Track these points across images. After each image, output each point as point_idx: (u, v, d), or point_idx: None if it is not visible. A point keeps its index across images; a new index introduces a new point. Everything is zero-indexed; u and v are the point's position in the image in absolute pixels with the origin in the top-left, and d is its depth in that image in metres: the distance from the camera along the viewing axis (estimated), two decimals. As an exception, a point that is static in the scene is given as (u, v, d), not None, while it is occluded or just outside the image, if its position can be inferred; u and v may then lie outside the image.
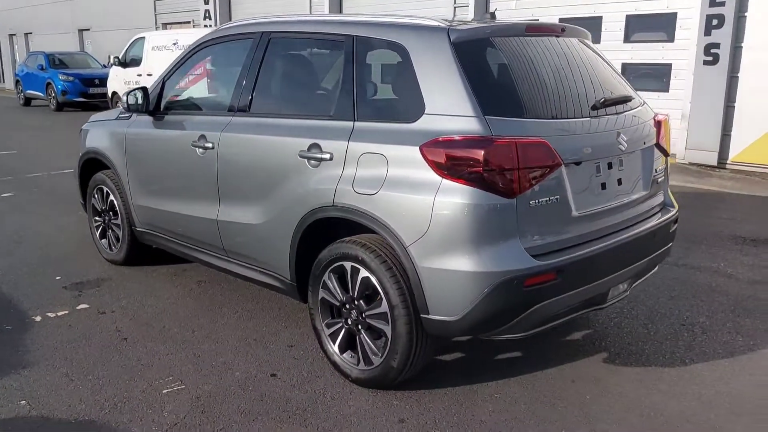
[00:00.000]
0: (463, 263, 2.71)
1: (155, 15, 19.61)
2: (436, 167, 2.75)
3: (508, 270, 2.69)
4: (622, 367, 3.47)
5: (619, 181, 3.21)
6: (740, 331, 3.91)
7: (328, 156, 3.16)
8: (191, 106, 4.31)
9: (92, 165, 5.08)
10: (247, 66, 3.75)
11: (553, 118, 2.93)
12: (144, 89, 4.33)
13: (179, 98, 4.34)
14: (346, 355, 3.27)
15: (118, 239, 4.98)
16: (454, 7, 12.53)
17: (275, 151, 3.45)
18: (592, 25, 10.66)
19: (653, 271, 3.70)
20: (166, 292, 4.55)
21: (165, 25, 19.18)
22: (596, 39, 10.67)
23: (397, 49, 3.07)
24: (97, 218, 5.18)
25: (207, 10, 17.30)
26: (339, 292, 3.22)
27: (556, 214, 2.86)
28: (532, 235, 2.78)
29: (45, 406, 3.09)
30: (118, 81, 15.04)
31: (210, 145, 3.82)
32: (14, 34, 29.27)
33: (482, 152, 2.65)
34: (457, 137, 2.73)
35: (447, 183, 2.72)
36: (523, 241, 2.75)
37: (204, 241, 4.06)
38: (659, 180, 3.54)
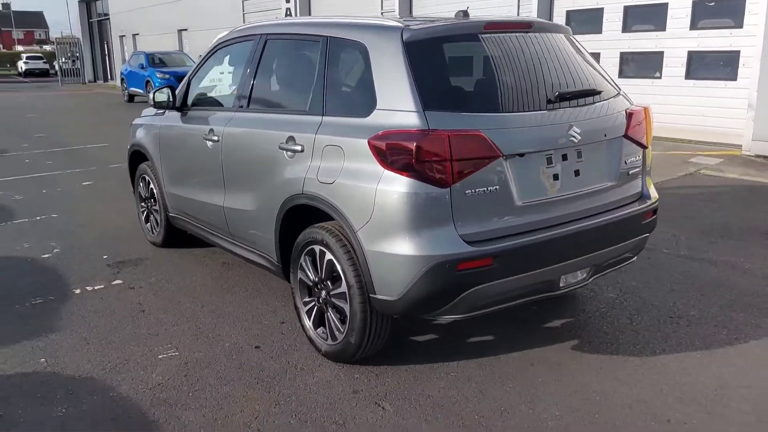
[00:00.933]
0: (400, 247, 2.92)
1: (243, 14, 20.61)
2: (379, 158, 2.97)
3: (440, 254, 2.88)
4: (587, 354, 3.55)
5: (577, 173, 3.29)
6: (727, 325, 3.86)
7: (300, 148, 3.46)
8: (208, 102, 4.72)
9: (138, 157, 5.64)
10: (248, 65, 4.11)
11: (497, 112, 3.07)
12: (171, 87, 4.80)
13: (199, 95, 4.77)
14: (319, 330, 3.56)
15: (158, 223, 5.51)
16: (518, 2, 12.42)
17: (262, 144, 3.79)
18: (658, 13, 10.32)
19: (628, 261, 3.74)
20: (192, 272, 5.01)
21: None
22: (661, 26, 10.32)
23: (359, 49, 3.30)
24: (142, 204, 5.74)
25: (288, 8, 18.01)
26: (312, 273, 3.51)
27: (496, 203, 3.01)
28: (470, 222, 2.95)
29: (59, 364, 3.58)
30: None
31: (216, 138, 4.22)
32: (124, 35, 31.53)
33: (416, 144, 2.85)
34: (396, 131, 2.94)
35: (387, 173, 2.94)
36: (459, 228, 2.92)
37: (216, 225, 4.47)
38: (631, 171, 3.58)
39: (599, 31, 11.36)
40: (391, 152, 2.92)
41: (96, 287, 4.74)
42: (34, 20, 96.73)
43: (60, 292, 4.64)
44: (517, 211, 3.07)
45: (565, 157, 3.24)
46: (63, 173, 9.37)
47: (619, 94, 3.66)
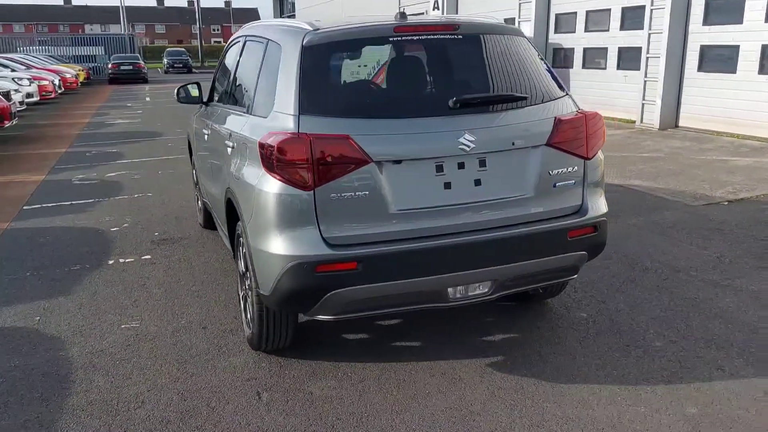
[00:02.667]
0: (268, 245, 3.03)
1: (399, 7, 21.10)
2: (261, 159, 3.10)
3: (299, 255, 2.94)
4: (498, 373, 3.38)
5: (477, 182, 3.14)
6: (683, 365, 3.43)
7: (232, 144, 3.68)
8: (219, 98, 5.10)
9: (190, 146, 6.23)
10: (234, 64, 4.41)
11: (379, 118, 3.03)
12: (198, 84, 5.25)
13: (214, 91, 5.16)
14: (248, 318, 3.78)
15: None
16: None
17: (220, 139, 4.07)
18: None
19: (564, 279, 3.48)
20: (215, 254, 5.46)
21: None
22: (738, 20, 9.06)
23: (278, 51, 3.43)
24: (196, 189, 6.33)
25: (436, 1, 18.14)
26: (241, 264, 3.73)
27: (366, 209, 2.98)
28: (336, 225, 2.97)
29: (46, 323, 4.16)
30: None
31: (208, 131, 4.58)
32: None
33: (278, 147, 2.93)
34: (273, 132, 3.04)
35: (264, 173, 3.06)
36: (324, 231, 2.96)
37: (216, 209, 4.85)
38: (560, 183, 3.31)
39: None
40: (266, 154, 3.04)
41: (127, 260, 5.36)
42: (252, 17, 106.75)
43: (97, 262, 5.32)
44: (391, 218, 3.02)
45: (461, 166, 3.10)
46: (187, 157, 10.45)
47: (557, 99, 3.39)
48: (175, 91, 5.25)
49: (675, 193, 6.92)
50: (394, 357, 3.58)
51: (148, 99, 22.89)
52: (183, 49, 49.89)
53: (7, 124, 12.43)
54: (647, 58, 11.09)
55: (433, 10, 18.30)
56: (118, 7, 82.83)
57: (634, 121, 11.65)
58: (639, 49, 11.45)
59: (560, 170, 3.30)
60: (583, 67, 13.31)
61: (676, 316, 3.97)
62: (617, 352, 3.56)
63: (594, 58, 12.98)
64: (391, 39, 3.26)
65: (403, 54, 3.24)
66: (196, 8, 57.91)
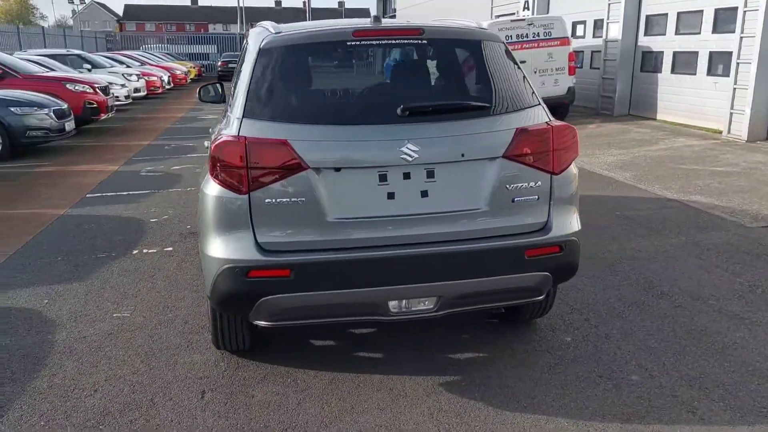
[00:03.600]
0: (207, 247, 3.05)
1: (491, 7, 20.69)
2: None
3: (232, 259, 2.94)
4: (447, 394, 3.23)
5: (425, 193, 3.01)
6: (655, 401, 3.12)
7: (207, 145, 3.74)
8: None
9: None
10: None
11: (321, 124, 2.97)
12: (221, 83, 5.38)
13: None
14: (211, 318, 3.82)
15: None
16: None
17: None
18: None
19: (526, 300, 3.28)
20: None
21: (497, 17, 20.09)
22: None
23: (245, 54, 3.44)
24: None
25: (526, 1, 17.63)
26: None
27: (302, 216, 2.93)
28: (271, 231, 2.94)
29: (50, 307, 4.41)
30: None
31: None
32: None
33: (217, 151, 2.94)
34: (223, 136, 3.04)
35: (207, 176, 3.08)
36: (259, 236, 2.94)
37: None
38: (520, 198, 3.10)
39: None
40: (210, 157, 3.05)
41: (149, 251, 5.59)
42: (364, 17, 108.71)
43: (123, 251, 5.59)
44: (328, 227, 2.95)
45: (407, 176, 2.98)
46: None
47: (524, 109, 3.18)
48: (198, 90, 5.41)
49: (734, 212, 6.34)
50: (350, 367, 3.51)
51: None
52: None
53: (103, 116, 13.34)
54: (737, 63, 10.23)
55: (524, 10, 17.82)
56: (240, 8, 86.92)
57: (720, 132, 10.80)
58: (730, 54, 10.59)
59: (520, 185, 3.10)
60: (672, 72, 12.46)
61: (669, 349, 3.63)
62: (585, 383, 3.30)
63: (684, 62, 12.13)
64: (349, 44, 3.18)
65: (360, 59, 3.16)
66: (307, 9, 59.63)
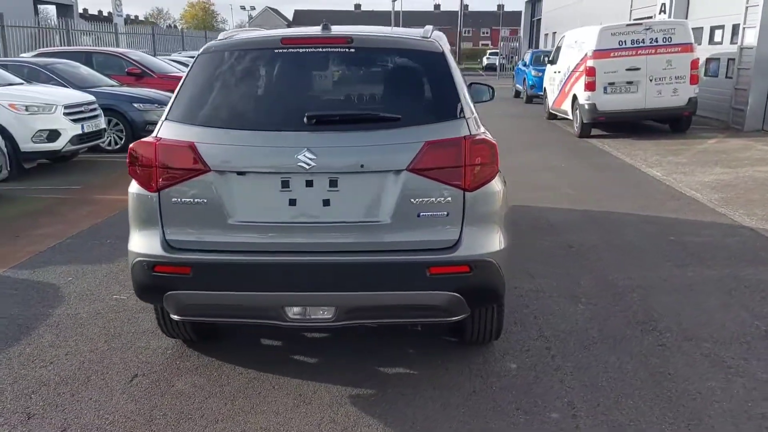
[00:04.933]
0: (128, 240, 3.25)
1: (630, 10, 19.47)
2: None
3: (140, 253, 3.12)
4: (347, 405, 3.18)
5: (326, 202, 3.00)
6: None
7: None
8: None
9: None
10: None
11: (228, 128, 3.05)
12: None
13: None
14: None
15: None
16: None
17: None
18: None
19: (432, 320, 3.17)
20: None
21: (636, 20, 18.88)
22: None
23: None
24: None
25: (663, 4, 16.38)
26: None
27: (206, 217, 3.03)
28: (178, 229, 3.08)
29: (71, 284, 4.89)
30: (549, 78, 15.96)
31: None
32: (547, 34, 32.83)
33: (133, 151, 3.12)
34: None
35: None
36: (167, 233, 3.09)
37: None
38: (426, 213, 2.98)
39: None
40: (128, 155, 3.23)
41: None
42: (517, 19, 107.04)
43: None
44: (229, 228, 3.03)
45: (309, 183, 2.99)
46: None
47: (443, 122, 3.05)
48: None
49: (810, 248, 5.54)
50: (279, 369, 3.55)
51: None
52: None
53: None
54: None
55: (660, 13, 16.61)
56: (397, 12, 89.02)
57: None
58: None
59: (426, 200, 2.99)
60: None
61: (615, 390, 3.29)
62: (497, 414, 3.10)
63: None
64: (276, 51, 3.25)
65: (288, 66, 3.21)
66: (459, 11, 59.77)
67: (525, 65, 21.71)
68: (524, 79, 21.09)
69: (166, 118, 3.17)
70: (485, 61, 55.64)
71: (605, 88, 12.07)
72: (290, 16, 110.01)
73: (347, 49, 3.22)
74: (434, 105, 3.15)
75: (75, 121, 9.23)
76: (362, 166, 2.97)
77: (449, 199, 3.00)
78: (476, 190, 3.02)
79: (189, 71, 3.29)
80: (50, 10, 34.35)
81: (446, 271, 3.00)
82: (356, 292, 3.01)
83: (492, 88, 5.52)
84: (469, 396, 3.26)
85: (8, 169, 8.05)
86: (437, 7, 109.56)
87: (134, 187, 3.17)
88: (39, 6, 29.90)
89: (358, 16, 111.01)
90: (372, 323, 3.21)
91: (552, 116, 15.49)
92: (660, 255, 5.42)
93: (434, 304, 3.07)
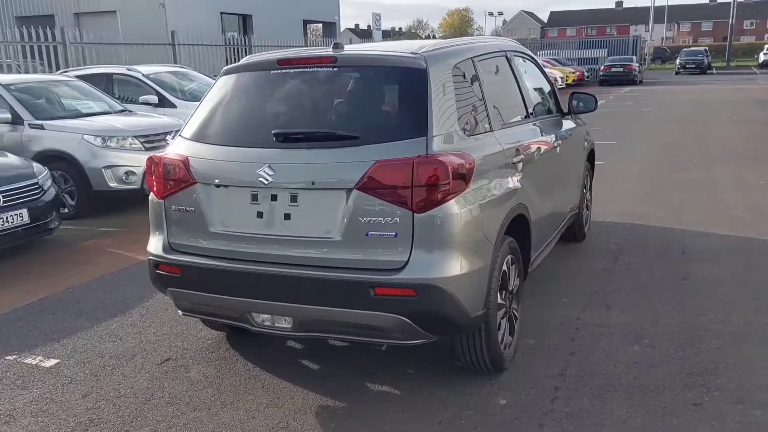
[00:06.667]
0: None
1: None
2: None
3: (151, 252, 3.53)
4: (305, 409, 3.26)
5: (287, 216, 3.12)
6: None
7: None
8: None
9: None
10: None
11: (215, 144, 3.33)
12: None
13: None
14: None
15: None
16: None
17: None
18: None
19: (381, 340, 3.16)
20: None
21: None
22: None
23: None
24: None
25: None
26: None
27: (194, 224, 3.34)
28: (177, 233, 3.43)
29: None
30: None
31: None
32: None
33: (147, 163, 3.53)
34: None
35: None
36: (171, 236, 3.47)
37: None
38: (374, 233, 2.94)
39: None
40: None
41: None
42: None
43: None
44: (212, 236, 3.31)
45: (274, 198, 3.15)
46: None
47: (400, 140, 2.97)
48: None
49: None
50: (280, 370, 3.72)
51: (601, 102, 23.01)
52: (702, 48, 46.95)
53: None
54: None
55: None
56: (663, 6, 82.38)
57: None
58: None
59: (374, 219, 2.95)
60: None
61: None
62: (444, 449, 2.93)
63: None
64: (273, 72, 3.44)
65: (272, 86, 3.40)
66: (732, 2, 53.24)
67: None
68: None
69: (180, 134, 3.56)
70: (761, 57, 48.84)
71: None
72: (545, 19, 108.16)
73: (331, 68, 3.30)
74: (398, 123, 3.08)
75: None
76: (313, 183, 3.04)
77: (397, 219, 2.92)
78: (426, 212, 2.90)
79: (208, 91, 3.64)
80: (318, 28, 37.99)
81: (391, 293, 2.93)
82: (309, 306, 3.09)
83: (595, 98, 5.14)
84: (430, 427, 3.12)
85: (72, 204, 7.62)
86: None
87: (151, 194, 3.62)
88: (308, 25, 33.27)
89: (618, 14, 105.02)
90: (331, 337, 3.24)
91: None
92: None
93: (380, 326, 3.01)
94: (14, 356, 4.08)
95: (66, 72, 11.47)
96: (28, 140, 7.97)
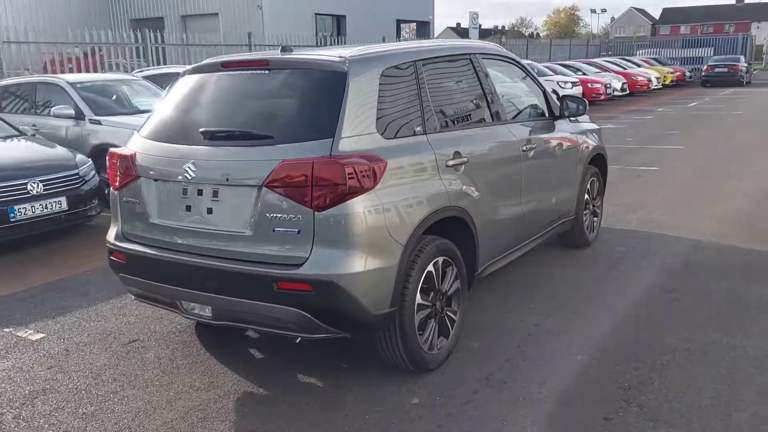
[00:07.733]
0: None
1: None
2: None
3: (108, 239, 3.82)
4: (244, 403, 3.44)
5: (210, 210, 3.31)
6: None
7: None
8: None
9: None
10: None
11: (155, 141, 3.57)
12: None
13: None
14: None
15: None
16: None
17: None
18: None
19: (287, 333, 3.29)
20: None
21: None
22: None
23: None
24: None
25: None
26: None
27: (139, 215, 3.60)
28: (127, 222, 3.71)
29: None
30: None
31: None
32: None
33: (108, 156, 3.82)
34: None
35: None
36: (123, 225, 3.76)
37: None
38: (280, 229, 3.08)
39: None
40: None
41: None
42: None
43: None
44: (152, 227, 3.55)
45: (200, 192, 3.35)
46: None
47: (310, 141, 3.09)
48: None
49: None
50: (228, 358, 3.92)
51: (692, 104, 21.87)
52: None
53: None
54: None
55: None
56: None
57: None
58: None
59: (280, 215, 3.09)
60: None
61: (477, 451, 2.89)
62: (335, 442, 3.03)
63: None
64: (217, 74, 3.64)
65: (214, 87, 3.60)
66: None
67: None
68: None
69: (138, 131, 3.84)
70: None
71: None
72: (657, 15, 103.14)
73: (266, 71, 3.46)
74: (310, 124, 3.19)
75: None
76: (227, 179, 3.22)
77: (299, 217, 3.04)
78: (325, 211, 3.00)
79: (167, 90, 3.90)
80: (413, 27, 37.91)
81: (291, 288, 3.06)
82: (221, 296, 3.27)
83: (584, 101, 5.06)
84: (334, 419, 3.22)
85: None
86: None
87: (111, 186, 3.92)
88: (402, 24, 33.39)
89: (738, 10, 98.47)
90: (245, 327, 3.40)
91: None
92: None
93: (284, 319, 3.14)
94: (11, 329, 4.53)
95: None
96: (88, 134, 8.68)
